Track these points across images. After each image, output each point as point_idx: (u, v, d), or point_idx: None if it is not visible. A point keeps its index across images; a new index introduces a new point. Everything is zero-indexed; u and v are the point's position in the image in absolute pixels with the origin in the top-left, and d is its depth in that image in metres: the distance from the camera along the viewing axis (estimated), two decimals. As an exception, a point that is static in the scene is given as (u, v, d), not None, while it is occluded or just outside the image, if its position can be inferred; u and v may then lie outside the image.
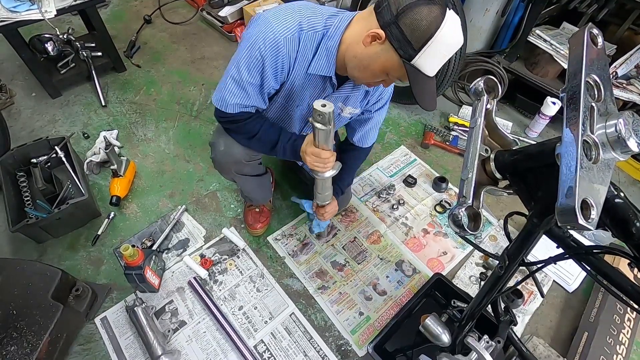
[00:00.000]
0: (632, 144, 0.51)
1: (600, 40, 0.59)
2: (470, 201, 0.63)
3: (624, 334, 1.39)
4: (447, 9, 0.85)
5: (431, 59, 0.88)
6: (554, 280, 1.56)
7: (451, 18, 0.84)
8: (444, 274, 1.50)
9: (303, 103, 1.16)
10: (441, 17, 0.83)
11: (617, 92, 1.84)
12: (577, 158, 0.49)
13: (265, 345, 1.36)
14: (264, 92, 1.06)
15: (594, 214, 0.48)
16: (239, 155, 1.24)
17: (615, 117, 0.53)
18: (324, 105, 0.90)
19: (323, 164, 1.08)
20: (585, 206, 0.48)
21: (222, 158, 1.26)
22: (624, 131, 0.51)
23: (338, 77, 1.08)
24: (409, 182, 1.86)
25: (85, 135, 1.95)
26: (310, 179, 1.57)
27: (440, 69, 0.94)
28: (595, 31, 0.58)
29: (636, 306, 0.64)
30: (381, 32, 0.88)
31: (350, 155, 1.45)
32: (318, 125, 0.95)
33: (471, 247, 1.65)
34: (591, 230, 0.47)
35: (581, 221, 0.46)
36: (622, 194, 0.58)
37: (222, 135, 1.22)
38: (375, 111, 1.31)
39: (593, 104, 0.54)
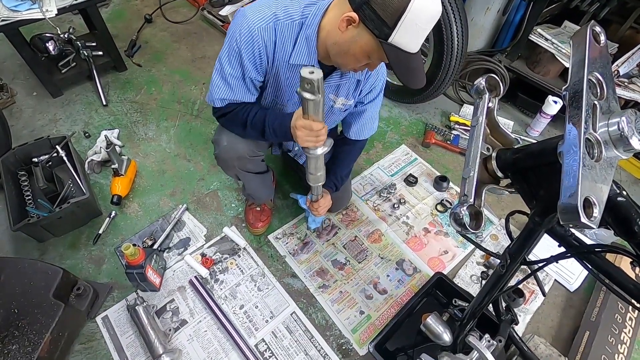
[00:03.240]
0: (634, 142, 0.51)
1: (602, 38, 0.58)
2: (471, 200, 0.63)
3: (625, 333, 1.38)
4: None
5: (409, 35, 0.85)
6: (555, 280, 1.56)
7: None
8: (445, 273, 1.50)
9: (293, 97, 1.16)
10: None
11: (618, 91, 1.84)
12: (580, 156, 0.49)
13: (266, 344, 1.36)
14: (247, 83, 1.06)
15: (597, 213, 0.48)
16: (242, 150, 1.24)
17: (617, 115, 0.52)
18: (311, 72, 0.83)
19: (315, 137, 1.00)
20: (588, 204, 0.48)
21: (226, 154, 1.26)
22: (627, 129, 0.51)
23: (324, 66, 1.07)
24: (410, 181, 1.86)
25: (86, 134, 1.95)
26: None
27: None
28: (597, 29, 0.58)
29: (638, 305, 0.64)
30: (354, 15, 0.87)
31: (345, 150, 1.43)
32: (306, 94, 0.87)
33: (472, 246, 1.65)
34: (594, 228, 0.47)
35: (583, 220, 0.46)
36: (624, 193, 0.58)
37: (224, 132, 1.22)
38: (368, 103, 1.29)
39: (595, 102, 0.54)
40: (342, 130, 1.44)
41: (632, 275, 1.40)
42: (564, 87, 0.57)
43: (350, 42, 0.92)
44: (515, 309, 1.08)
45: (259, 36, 0.98)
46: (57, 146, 1.70)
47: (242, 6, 2.56)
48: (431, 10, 0.83)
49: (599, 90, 0.56)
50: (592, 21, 0.58)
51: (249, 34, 0.97)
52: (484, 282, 1.29)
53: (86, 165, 1.76)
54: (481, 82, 0.74)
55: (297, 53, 1.01)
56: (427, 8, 0.82)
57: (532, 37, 2.00)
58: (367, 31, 0.88)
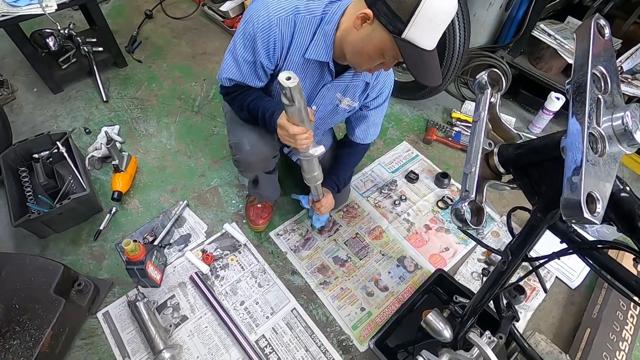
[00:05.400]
0: (639, 137, 0.50)
1: (607, 31, 0.57)
2: (473, 195, 0.62)
3: (626, 330, 1.38)
4: None
5: (423, 30, 0.84)
6: (556, 277, 1.56)
7: None
8: (446, 270, 1.49)
9: (304, 88, 1.15)
10: None
11: (622, 87, 1.83)
12: (583, 151, 0.48)
13: (266, 340, 1.36)
14: (257, 69, 1.06)
15: (600, 208, 0.47)
16: (267, 152, 1.23)
17: (622, 110, 0.51)
18: (288, 78, 0.79)
19: (292, 140, 1.01)
20: (591, 200, 0.47)
21: (250, 157, 1.24)
22: (631, 124, 0.50)
23: (337, 65, 1.07)
24: (411, 177, 1.86)
25: (87, 130, 1.95)
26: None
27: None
28: (602, 22, 0.57)
29: (641, 301, 0.63)
30: (368, 12, 0.87)
31: (347, 152, 1.45)
32: (284, 100, 0.87)
33: (473, 243, 1.65)
34: (597, 224, 0.47)
35: (586, 215, 0.45)
36: (628, 188, 0.57)
37: (244, 135, 1.20)
38: (374, 108, 1.30)
39: (600, 96, 0.53)
40: (347, 133, 1.44)
41: (635, 272, 1.40)
42: (567, 81, 0.56)
43: (364, 40, 0.92)
44: (516, 306, 1.07)
45: (276, 26, 0.97)
46: (57, 142, 1.70)
47: (244, 1, 2.55)
48: (446, 5, 0.82)
49: (603, 84, 0.55)
50: (597, 14, 0.58)
51: (267, 22, 0.97)
52: (485, 278, 1.29)
53: (87, 162, 1.76)
54: (483, 77, 0.73)
55: (314, 48, 1.01)
56: (441, 3, 0.82)
57: (535, 33, 1.98)
58: (381, 27, 0.87)
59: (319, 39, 1.00)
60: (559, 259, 0.72)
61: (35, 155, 1.65)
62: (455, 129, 2.10)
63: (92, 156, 1.77)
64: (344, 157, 1.46)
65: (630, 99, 1.90)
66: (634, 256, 0.60)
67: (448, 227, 1.71)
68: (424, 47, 0.87)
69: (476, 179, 0.63)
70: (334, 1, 1.00)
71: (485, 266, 1.57)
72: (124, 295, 1.42)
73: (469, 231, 0.69)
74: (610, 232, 1.55)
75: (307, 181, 1.30)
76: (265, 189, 1.49)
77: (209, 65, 2.38)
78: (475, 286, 1.51)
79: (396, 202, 1.77)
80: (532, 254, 0.81)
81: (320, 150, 1.10)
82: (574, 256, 0.71)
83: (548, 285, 1.53)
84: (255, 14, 0.97)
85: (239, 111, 1.17)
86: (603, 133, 0.51)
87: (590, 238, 0.72)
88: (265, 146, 1.22)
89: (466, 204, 0.62)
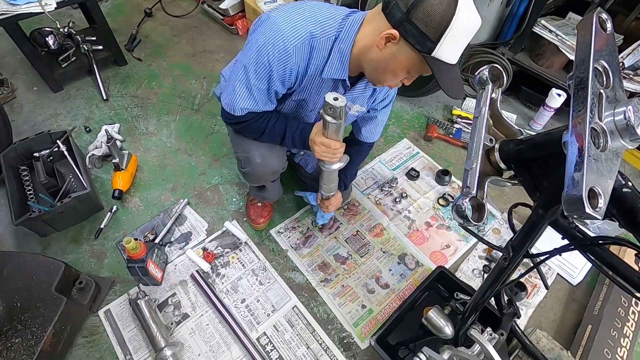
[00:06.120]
0: (641, 132, 0.50)
1: (609, 25, 0.57)
2: (474, 192, 0.62)
3: (628, 326, 1.38)
4: None
5: (451, 47, 0.86)
6: (557, 273, 1.56)
7: (464, 0, 0.81)
8: (447, 267, 1.49)
9: (317, 107, 1.16)
10: (454, 2, 0.80)
11: (624, 83, 1.82)
12: (585, 145, 0.48)
13: (267, 337, 1.37)
14: (270, 95, 1.06)
15: (602, 203, 0.47)
16: (276, 165, 1.25)
17: (624, 104, 0.51)
18: (336, 99, 0.88)
19: (332, 154, 1.08)
20: (593, 195, 0.47)
21: (260, 170, 1.25)
22: (633, 118, 0.50)
23: (350, 78, 1.07)
24: (412, 175, 1.85)
25: (87, 129, 1.95)
26: (307, 176, 1.58)
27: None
28: (604, 16, 0.56)
29: (642, 298, 0.63)
30: (394, 32, 0.86)
31: (355, 150, 1.46)
32: (329, 118, 0.94)
33: (474, 240, 1.64)
34: (599, 219, 0.46)
35: (588, 210, 0.45)
36: (630, 184, 0.57)
37: (253, 147, 1.20)
38: (381, 109, 1.31)
39: (601, 91, 0.53)
40: (352, 131, 1.45)
41: (636, 268, 1.39)
42: (569, 75, 0.56)
43: (389, 59, 0.92)
44: (517, 303, 1.07)
45: (293, 55, 0.95)
46: (58, 141, 1.70)
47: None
48: (473, 22, 0.84)
49: (605, 79, 0.55)
50: (599, 8, 0.57)
51: (284, 52, 0.94)
52: (486, 275, 1.28)
53: (87, 160, 1.76)
54: (484, 72, 0.73)
55: (330, 67, 1.00)
56: (469, 20, 0.83)
57: (536, 29, 1.98)
58: (408, 47, 0.87)
59: (335, 58, 0.99)
60: (560, 255, 0.72)
61: (36, 154, 1.65)
62: (456, 126, 2.09)
63: (93, 155, 1.77)
64: (352, 154, 1.47)
65: (631, 96, 1.89)
66: (635, 252, 0.60)
67: (449, 225, 1.70)
68: (450, 61, 0.88)
69: (477, 175, 0.63)
70: (347, 17, 0.98)
71: (487, 263, 1.58)
72: (125, 294, 1.42)
73: (470, 228, 0.69)
74: (612, 228, 1.55)
75: (323, 190, 1.32)
76: (271, 192, 1.51)
77: (209, 63, 2.38)
78: (476, 283, 1.51)
79: (397, 200, 1.77)
80: (533, 250, 0.81)
81: (345, 159, 1.17)
82: (576, 253, 0.71)
83: (549, 282, 1.53)
84: (270, 42, 0.93)
85: (255, 135, 1.16)
86: (605, 128, 0.51)
87: (591, 234, 0.72)
88: (275, 158, 1.23)
89: (467, 200, 0.61)
